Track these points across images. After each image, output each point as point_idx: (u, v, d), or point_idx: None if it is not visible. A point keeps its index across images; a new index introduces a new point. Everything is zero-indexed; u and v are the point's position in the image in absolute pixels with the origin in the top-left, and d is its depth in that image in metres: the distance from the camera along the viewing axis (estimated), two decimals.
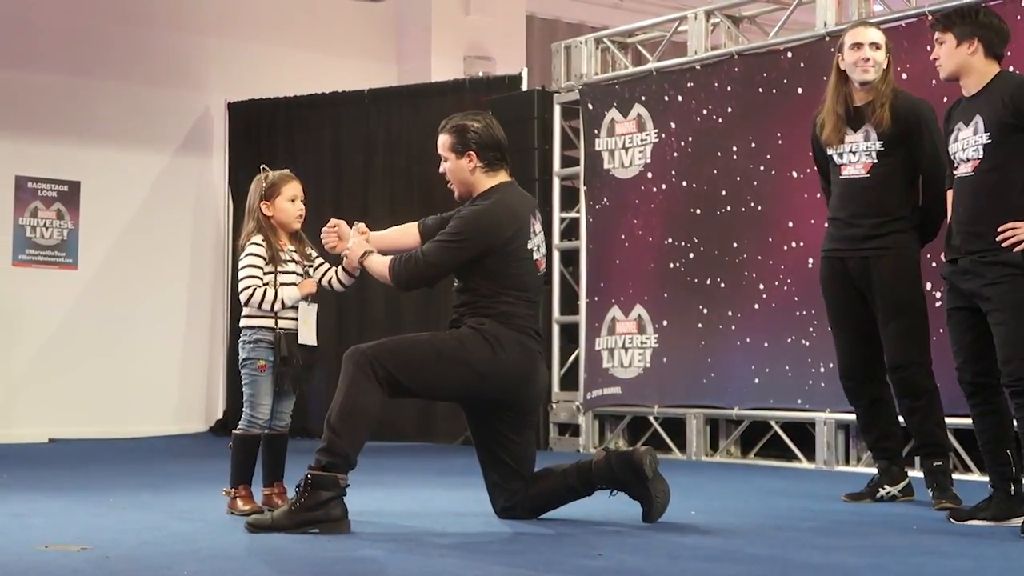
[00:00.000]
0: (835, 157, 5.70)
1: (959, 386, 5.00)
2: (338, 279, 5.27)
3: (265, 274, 5.17)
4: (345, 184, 10.50)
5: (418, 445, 9.59)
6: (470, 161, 4.93)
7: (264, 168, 5.35)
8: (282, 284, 5.17)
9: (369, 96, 10.53)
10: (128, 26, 10.80)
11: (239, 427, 5.21)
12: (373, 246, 5.07)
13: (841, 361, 5.82)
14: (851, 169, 5.65)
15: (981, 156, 4.86)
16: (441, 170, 5.04)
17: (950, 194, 5.08)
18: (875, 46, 5.63)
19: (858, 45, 5.63)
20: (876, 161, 5.58)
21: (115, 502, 5.60)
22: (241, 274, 5.20)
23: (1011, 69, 5.75)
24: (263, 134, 10.91)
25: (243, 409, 5.22)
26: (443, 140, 4.98)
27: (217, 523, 4.90)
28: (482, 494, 5.08)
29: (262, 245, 5.19)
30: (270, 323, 5.18)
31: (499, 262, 4.83)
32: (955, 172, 4.99)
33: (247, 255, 5.21)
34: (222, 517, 5.08)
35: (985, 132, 4.85)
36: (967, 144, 4.91)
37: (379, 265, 4.96)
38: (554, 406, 9.13)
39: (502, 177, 4.98)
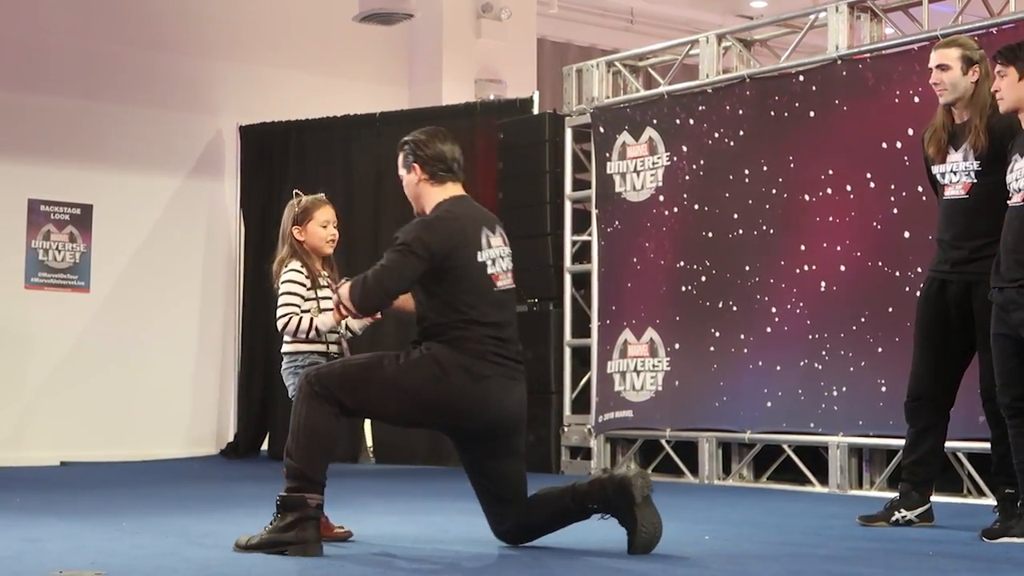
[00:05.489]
0: (938, 176, 5.58)
1: (985, 409, 5.07)
2: (347, 327, 5.23)
3: (306, 300, 5.15)
4: (356, 207, 10.50)
5: (429, 468, 9.57)
6: (415, 174, 4.90)
7: (297, 193, 5.33)
8: (322, 310, 5.13)
9: (380, 119, 10.53)
10: (140, 50, 10.85)
11: None
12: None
13: (912, 381, 5.71)
14: (952, 190, 5.53)
15: None
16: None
17: None
18: (942, 68, 5.48)
19: (931, 69, 5.57)
20: (976, 181, 5.43)
21: (128, 526, 5.59)
22: (280, 301, 5.15)
23: None
24: (275, 157, 10.93)
25: None
26: (398, 159, 4.99)
27: (231, 548, 4.88)
28: None
29: (301, 271, 5.18)
30: (321, 347, 5.15)
31: (446, 283, 4.68)
32: (1008, 201, 5.04)
33: (285, 282, 5.16)
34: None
35: None
36: None
37: (343, 289, 4.76)
38: (565, 429, 9.12)
39: (451, 190, 4.88)
